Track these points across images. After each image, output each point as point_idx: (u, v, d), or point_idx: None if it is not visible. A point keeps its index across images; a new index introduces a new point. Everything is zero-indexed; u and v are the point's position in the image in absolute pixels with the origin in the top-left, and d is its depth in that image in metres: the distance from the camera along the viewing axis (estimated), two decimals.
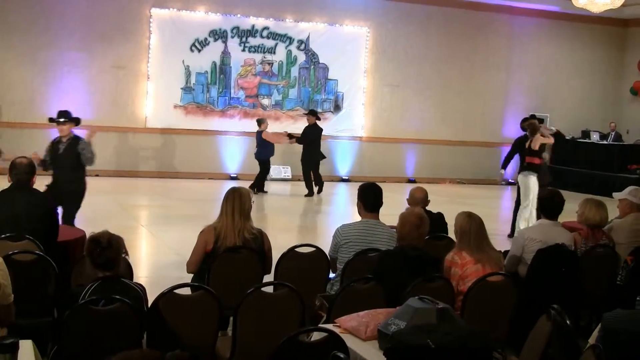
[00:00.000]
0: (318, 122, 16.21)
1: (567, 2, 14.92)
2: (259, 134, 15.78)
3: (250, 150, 17.19)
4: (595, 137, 20.61)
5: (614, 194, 7.64)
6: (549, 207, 6.50)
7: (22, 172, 6.14)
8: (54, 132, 8.85)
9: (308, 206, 15.21)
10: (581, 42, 21.39)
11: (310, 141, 16.00)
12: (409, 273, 5.05)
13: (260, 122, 15.94)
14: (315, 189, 16.06)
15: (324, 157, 16.42)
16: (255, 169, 16.06)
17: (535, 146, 11.51)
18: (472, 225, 5.46)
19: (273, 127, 16.77)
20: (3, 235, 5.54)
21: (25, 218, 5.87)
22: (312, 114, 16.27)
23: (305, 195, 15.79)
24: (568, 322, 4.05)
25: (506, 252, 6.41)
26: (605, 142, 20.42)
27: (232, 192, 6.00)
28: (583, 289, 5.94)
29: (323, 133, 18.25)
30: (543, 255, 5.89)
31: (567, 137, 20.96)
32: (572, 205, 7.02)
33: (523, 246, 6.22)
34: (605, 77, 21.82)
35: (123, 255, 4.56)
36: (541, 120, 12.46)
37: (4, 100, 16.45)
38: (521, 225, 11.42)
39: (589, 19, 20.08)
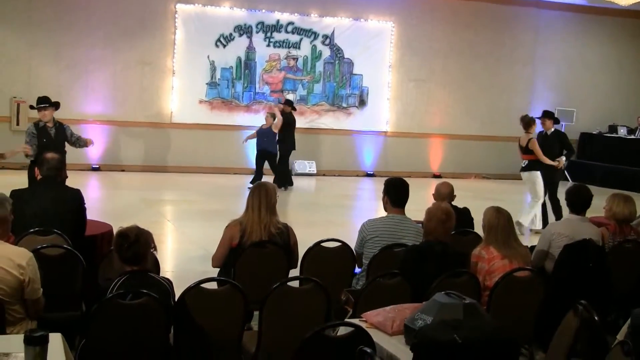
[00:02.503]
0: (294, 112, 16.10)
1: None
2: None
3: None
4: (622, 132, 20.43)
5: None
6: (576, 202, 6.45)
7: (52, 167, 6.21)
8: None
9: (334, 201, 15.20)
10: (608, 36, 21.16)
11: (285, 130, 15.67)
12: (435, 268, 5.04)
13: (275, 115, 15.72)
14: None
15: (294, 148, 16.13)
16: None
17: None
18: (500, 220, 5.44)
19: (298, 122, 16.63)
20: (32, 230, 5.59)
21: (53, 213, 5.92)
22: (288, 103, 16.15)
23: (282, 188, 15.49)
24: (596, 317, 4.03)
25: (533, 247, 6.38)
26: (632, 136, 20.23)
27: (258, 186, 6.02)
28: (611, 284, 5.89)
29: (349, 128, 18.25)
30: (570, 250, 5.84)
31: (593, 132, 20.84)
32: (600, 201, 6.97)
33: (550, 241, 6.18)
34: (632, 70, 21.58)
35: (151, 250, 4.58)
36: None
37: (30, 97, 16.54)
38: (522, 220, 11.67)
39: (616, 12, 19.90)
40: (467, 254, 5.52)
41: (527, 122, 11.84)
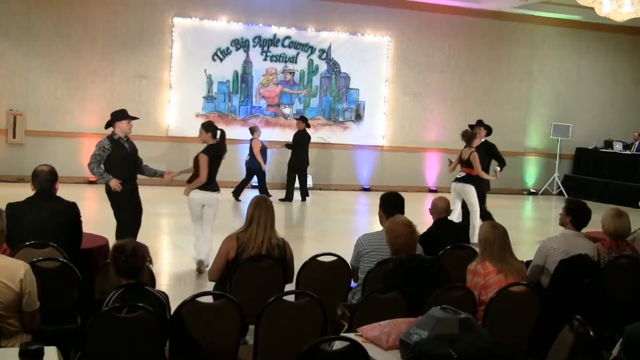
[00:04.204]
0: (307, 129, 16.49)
1: (590, 11, 14.84)
2: (251, 142, 15.93)
3: (272, 158, 17.26)
4: (618, 147, 20.47)
5: None
6: (580, 219, 6.42)
7: (44, 179, 6.18)
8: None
9: (330, 215, 15.21)
10: (604, 51, 21.26)
11: (299, 146, 16.22)
12: (416, 284, 5.02)
13: (252, 130, 15.99)
14: (298, 196, 16.40)
15: (308, 163, 16.60)
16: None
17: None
18: (496, 235, 5.44)
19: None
20: (27, 243, 5.58)
21: (50, 226, 5.91)
22: (303, 120, 16.51)
23: (281, 200, 15.87)
24: (591, 333, 4.03)
25: (529, 262, 6.38)
26: (628, 151, 20.27)
27: (264, 201, 6.02)
28: (606, 299, 5.89)
29: (345, 142, 18.50)
30: (565, 265, 5.84)
31: (589, 147, 20.88)
32: (596, 216, 6.97)
33: (546, 256, 6.18)
34: (628, 86, 21.67)
35: (147, 264, 4.58)
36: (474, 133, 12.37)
37: (28, 108, 16.60)
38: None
39: (612, 27, 19.95)
40: (440, 259, 5.51)
41: (469, 137, 11.97)
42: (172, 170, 9.55)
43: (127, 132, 8.86)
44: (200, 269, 8.94)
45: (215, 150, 9.27)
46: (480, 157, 11.83)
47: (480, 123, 12.52)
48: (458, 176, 11.95)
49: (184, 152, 17.65)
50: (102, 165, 8.55)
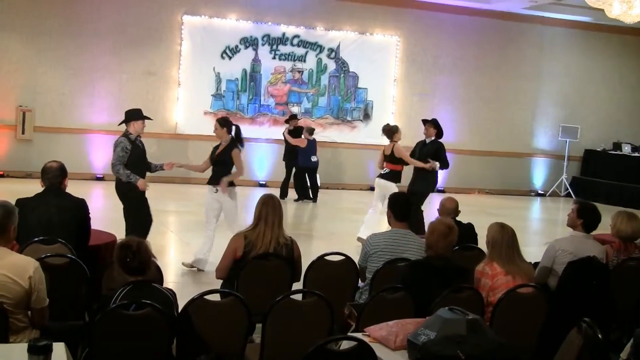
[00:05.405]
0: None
1: (600, 12, 14.80)
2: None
3: (279, 157, 17.25)
4: (626, 149, 20.41)
5: None
6: (591, 222, 6.41)
7: (53, 176, 6.19)
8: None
9: (337, 214, 15.19)
10: (613, 53, 21.18)
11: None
12: (436, 283, 5.03)
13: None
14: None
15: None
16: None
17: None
18: (505, 236, 5.43)
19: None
20: (36, 239, 5.59)
21: (58, 222, 5.92)
22: (295, 117, 16.85)
23: (313, 200, 16.26)
24: (599, 335, 4.01)
25: (536, 263, 6.37)
26: (637, 154, 20.21)
27: (272, 199, 6.01)
28: (614, 302, 5.87)
29: (353, 141, 18.54)
30: (574, 267, 5.83)
31: (597, 149, 20.83)
32: (605, 218, 6.95)
33: (554, 258, 6.17)
34: (637, 88, 21.59)
35: (152, 259, 4.58)
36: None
37: (36, 104, 16.63)
38: (364, 231, 11.20)
39: (622, 29, 19.93)
40: (469, 269, 5.50)
41: (390, 130, 11.58)
42: (171, 161, 9.60)
43: (140, 133, 8.85)
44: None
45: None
46: (426, 155, 11.44)
47: (433, 122, 12.07)
48: (382, 172, 11.56)
49: (192, 150, 17.72)
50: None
